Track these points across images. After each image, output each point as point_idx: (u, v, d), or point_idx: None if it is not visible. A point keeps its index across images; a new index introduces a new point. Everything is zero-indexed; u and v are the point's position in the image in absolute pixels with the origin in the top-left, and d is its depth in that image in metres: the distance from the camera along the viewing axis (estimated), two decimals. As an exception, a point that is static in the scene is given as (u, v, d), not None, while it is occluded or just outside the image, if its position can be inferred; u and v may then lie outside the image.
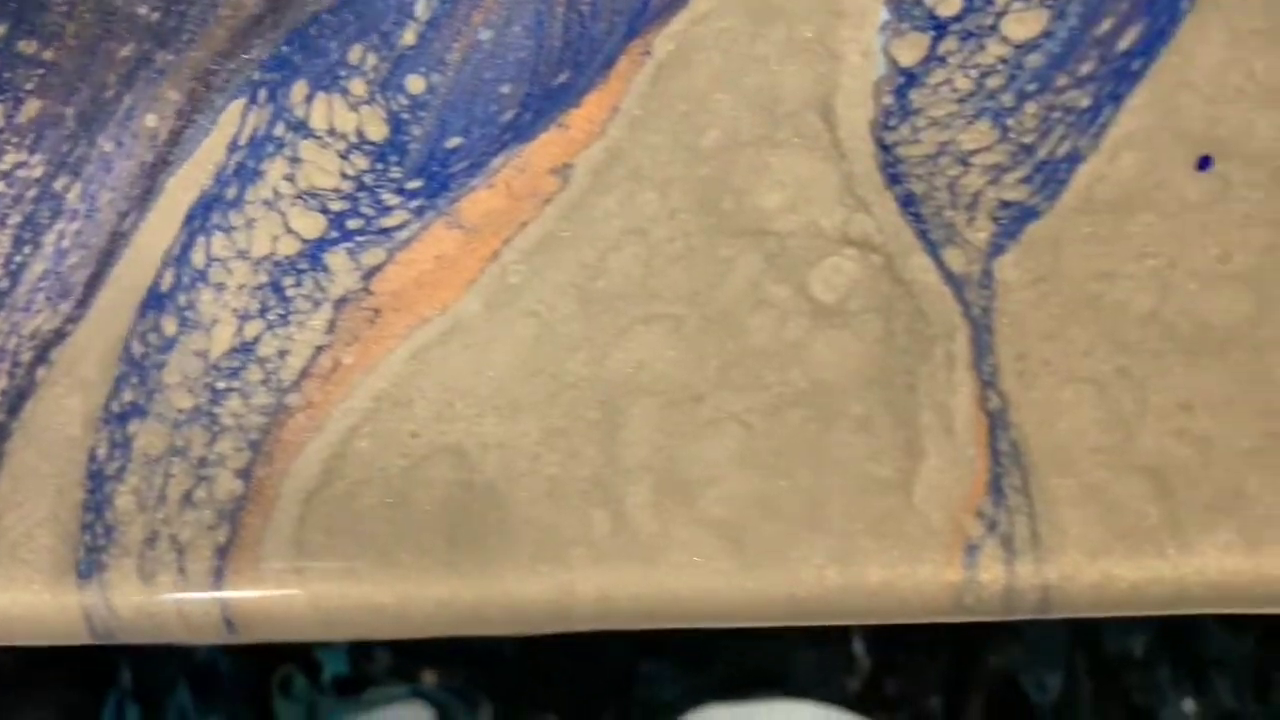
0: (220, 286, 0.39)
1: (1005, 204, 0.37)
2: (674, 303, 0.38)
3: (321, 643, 0.65)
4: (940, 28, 0.38)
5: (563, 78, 0.39)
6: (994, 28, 0.38)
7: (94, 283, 0.39)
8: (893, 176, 0.38)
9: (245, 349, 0.38)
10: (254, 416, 0.38)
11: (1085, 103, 0.38)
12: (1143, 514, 0.36)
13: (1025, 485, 0.36)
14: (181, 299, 0.39)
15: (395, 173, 0.39)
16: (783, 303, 0.38)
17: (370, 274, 0.38)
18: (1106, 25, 0.38)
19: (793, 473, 0.37)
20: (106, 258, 0.39)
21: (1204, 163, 0.37)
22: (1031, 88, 0.38)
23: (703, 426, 0.37)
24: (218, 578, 0.37)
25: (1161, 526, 0.36)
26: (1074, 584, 0.36)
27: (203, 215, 0.39)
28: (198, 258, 0.39)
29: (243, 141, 0.39)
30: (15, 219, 0.39)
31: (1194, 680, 0.63)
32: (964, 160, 0.38)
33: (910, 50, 0.38)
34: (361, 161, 0.39)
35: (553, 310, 0.38)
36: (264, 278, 0.39)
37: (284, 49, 0.40)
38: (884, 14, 0.38)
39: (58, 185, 0.39)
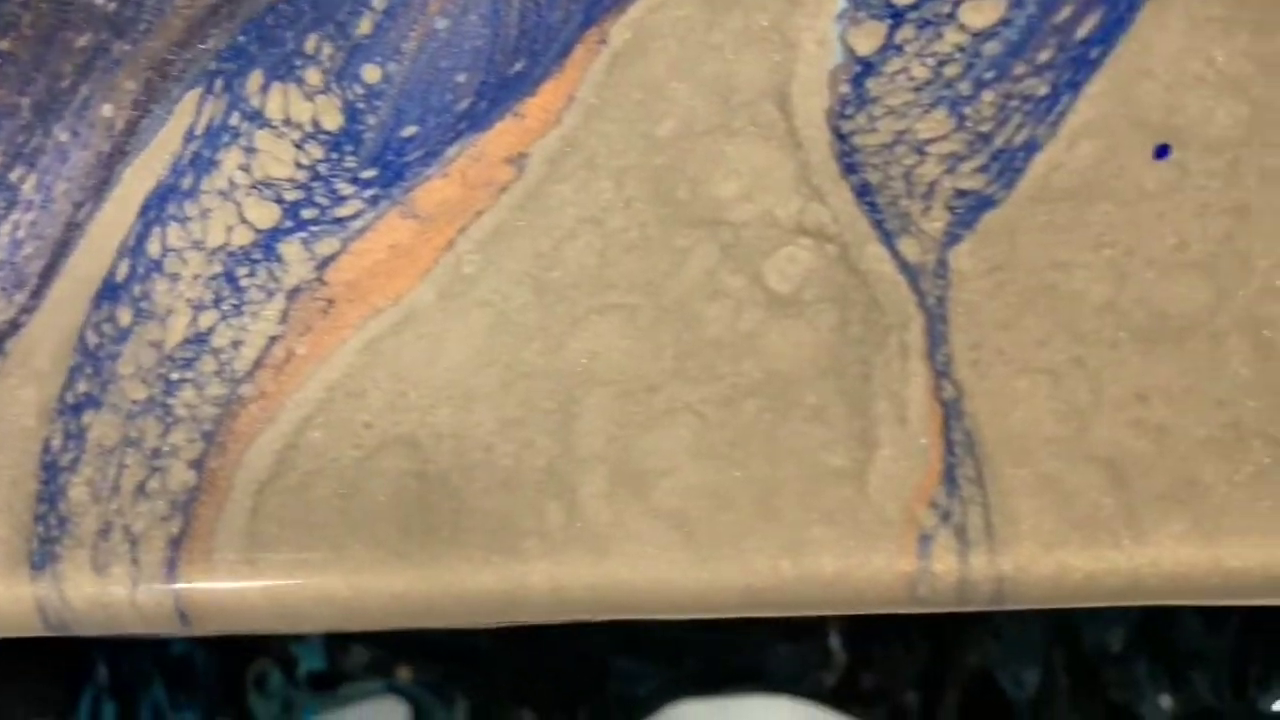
0: (175, 277, 0.39)
1: (961, 193, 0.37)
2: (629, 292, 0.38)
3: (297, 639, 0.64)
4: (897, 16, 0.38)
5: (518, 66, 0.39)
6: (952, 15, 0.38)
7: (48, 273, 0.39)
8: (849, 166, 0.38)
9: (199, 339, 0.38)
10: (207, 407, 0.38)
11: (1043, 91, 0.38)
12: (1098, 504, 0.36)
13: (979, 475, 0.36)
14: (136, 289, 0.39)
15: (350, 162, 0.39)
16: (737, 293, 0.37)
17: (324, 264, 0.38)
18: (1065, 13, 0.38)
19: (747, 463, 0.36)
20: (61, 248, 0.39)
21: (1161, 151, 0.37)
22: (989, 76, 0.38)
23: (657, 417, 0.37)
24: (171, 569, 0.37)
25: (1116, 517, 0.36)
26: (1028, 575, 0.36)
27: (158, 205, 0.39)
28: (153, 248, 0.39)
29: (199, 131, 0.39)
30: (-31, 209, 0.39)
31: (1171, 676, 0.63)
32: (920, 149, 0.38)
33: (867, 39, 0.38)
34: (316, 151, 0.39)
35: (507, 300, 0.38)
36: (218, 268, 0.38)
37: (240, 39, 0.39)
38: (841, 2, 0.38)
39: (13, 176, 0.39)
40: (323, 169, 0.39)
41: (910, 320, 0.37)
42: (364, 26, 0.39)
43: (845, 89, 0.38)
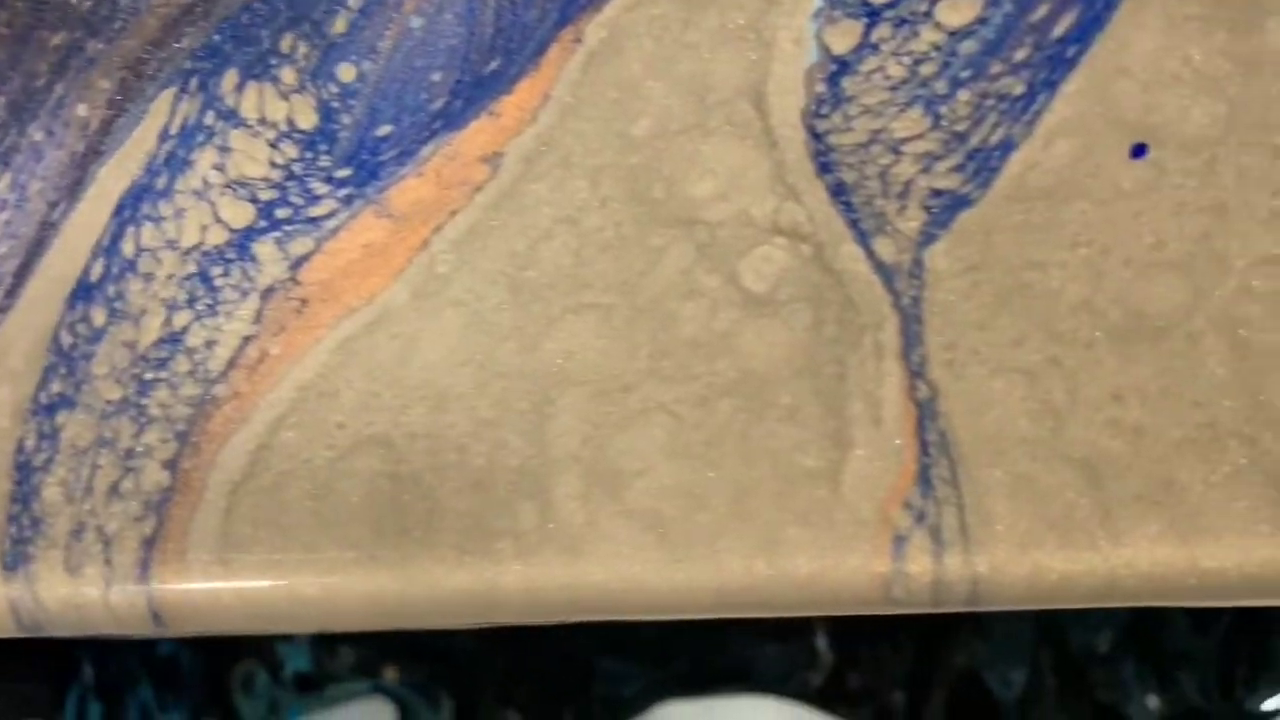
0: (149, 277, 0.38)
1: (937, 192, 0.37)
2: (604, 292, 0.37)
3: (283, 639, 0.64)
4: (874, 14, 0.38)
5: (494, 65, 0.38)
6: (928, 14, 0.38)
7: (23, 273, 0.39)
8: (824, 165, 0.37)
9: (173, 339, 0.38)
10: (181, 408, 0.38)
11: (1019, 90, 0.37)
12: (1073, 505, 0.35)
13: (954, 476, 0.36)
14: (111, 289, 0.38)
15: (324, 161, 0.38)
16: (713, 292, 0.37)
17: (298, 264, 0.38)
18: (1042, 11, 0.38)
19: (721, 463, 0.36)
20: (36, 248, 0.39)
21: (1138, 150, 0.37)
22: (965, 75, 0.38)
23: (632, 417, 0.37)
24: (144, 570, 0.37)
25: (1092, 518, 0.35)
26: (1003, 576, 0.35)
27: (133, 205, 0.39)
28: (127, 248, 0.39)
29: (173, 131, 0.39)
30: (-58, 208, 0.39)
31: (1159, 677, 0.63)
32: (896, 148, 0.37)
33: (843, 37, 0.38)
34: (291, 150, 0.39)
35: (481, 300, 0.38)
36: (192, 268, 0.38)
37: (215, 38, 0.39)
38: (817, 1, 0.38)
39: (-13, 175, 0.39)
40: (297, 168, 0.38)
41: (885, 320, 0.37)
42: (339, 25, 0.39)
43: (821, 88, 0.38)
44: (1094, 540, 0.35)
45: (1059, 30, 0.38)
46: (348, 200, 0.38)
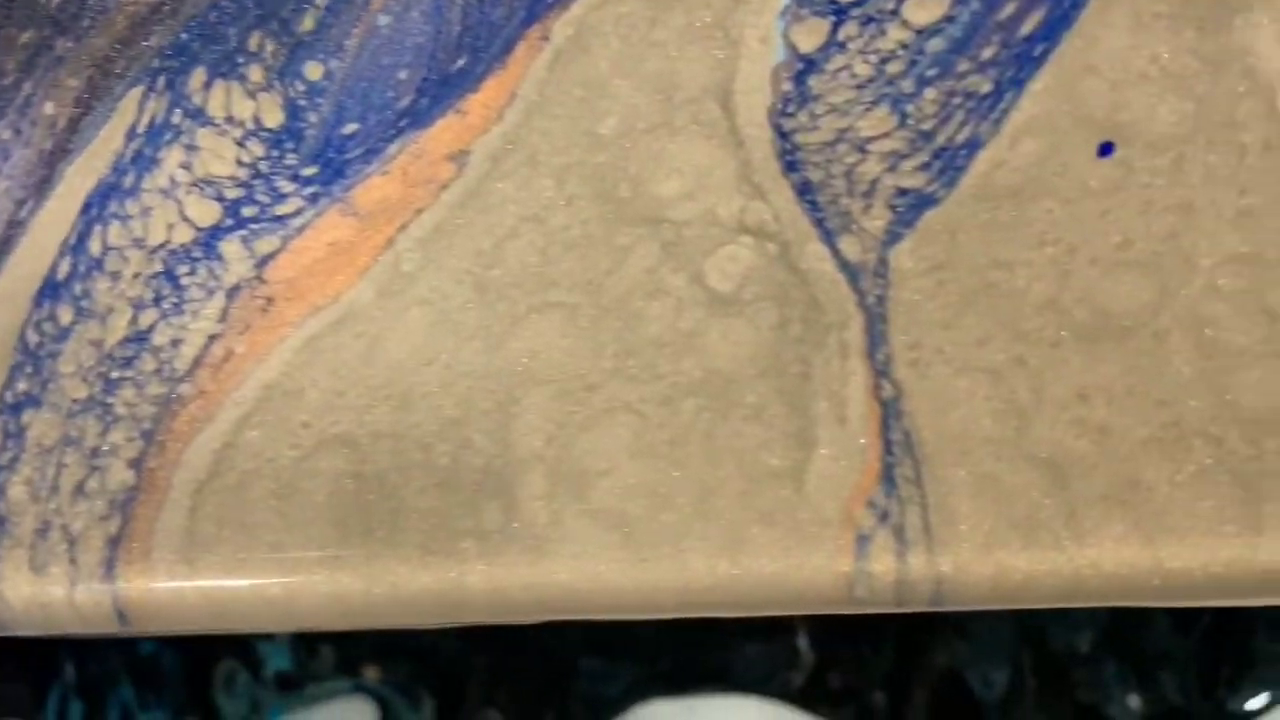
0: (116, 275, 0.38)
1: (902, 191, 0.37)
2: (570, 291, 0.37)
3: (264, 638, 0.64)
4: (841, 12, 0.38)
5: (461, 63, 0.38)
6: (895, 12, 0.38)
7: (-11, 271, 0.39)
8: (790, 164, 0.37)
9: (140, 338, 0.38)
10: (147, 406, 0.38)
11: (986, 88, 0.37)
12: (1037, 505, 0.35)
13: (918, 475, 0.36)
14: (77, 288, 0.38)
15: (291, 159, 0.38)
16: (678, 291, 0.37)
17: (264, 262, 0.38)
18: (1009, 9, 0.38)
19: (686, 463, 0.36)
20: (3, 246, 0.39)
21: (1105, 149, 0.37)
22: (932, 73, 0.37)
23: (597, 416, 0.37)
24: (109, 569, 0.37)
25: (1056, 517, 0.35)
26: (967, 576, 0.35)
27: (100, 203, 0.39)
28: (94, 246, 0.39)
29: (141, 129, 0.39)
30: (-91, 207, 0.39)
31: (1140, 677, 0.62)
32: (862, 147, 0.37)
33: (810, 36, 0.38)
34: (258, 148, 0.39)
35: (447, 299, 0.37)
36: (159, 266, 0.38)
37: (183, 36, 0.39)
38: (784, -1, 0.38)
39: (-46, 173, 0.39)
40: (264, 167, 0.38)
41: (850, 319, 0.36)
42: (307, 23, 0.39)
43: (787, 86, 0.38)
44: (1058, 540, 0.35)
45: (1027, 28, 0.38)
46: (314, 199, 0.38)
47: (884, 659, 0.64)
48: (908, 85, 0.37)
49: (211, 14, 0.39)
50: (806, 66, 0.38)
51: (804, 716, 0.63)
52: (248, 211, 0.38)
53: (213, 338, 0.38)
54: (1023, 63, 0.37)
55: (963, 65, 0.37)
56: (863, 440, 0.36)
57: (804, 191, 0.37)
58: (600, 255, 0.37)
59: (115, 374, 0.38)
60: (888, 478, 0.36)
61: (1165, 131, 0.37)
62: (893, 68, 0.37)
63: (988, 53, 0.37)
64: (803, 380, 0.36)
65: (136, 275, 0.38)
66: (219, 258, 0.38)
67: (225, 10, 0.39)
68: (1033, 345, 0.36)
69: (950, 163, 0.37)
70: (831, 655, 0.64)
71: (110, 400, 0.38)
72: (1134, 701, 0.63)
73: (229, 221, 0.38)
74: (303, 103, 0.39)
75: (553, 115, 0.38)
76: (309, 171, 0.38)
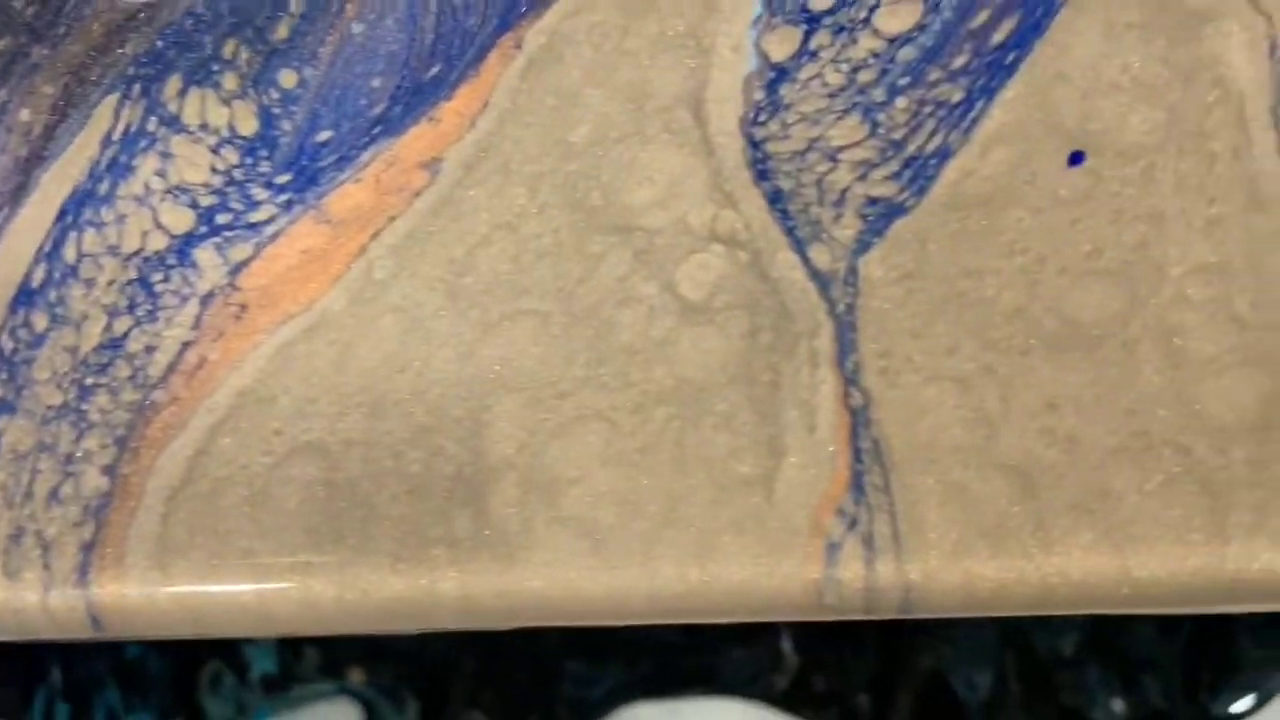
0: (90, 282, 0.38)
1: (872, 200, 0.37)
2: (542, 299, 0.37)
3: (249, 641, 0.64)
4: (813, 21, 0.38)
5: (434, 71, 0.39)
6: (867, 21, 0.38)
7: (-35, 278, 0.39)
8: (761, 173, 0.37)
9: (114, 345, 0.38)
10: (121, 413, 0.38)
11: (957, 97, 0.37)
12: (1006, 513, 0.35)
13: (886, 483, 0.36)
14: (52, 295, 0.38)
15: (265, 167, 0.38)
16: (650, 299, 0.37)
17: (237, 269, 0.38)
18: (981, 18, 0.38)
19: (656, 470, 0.36)
20: (-21, 253, 0.39)
21: (1076, 158, 0.37)
22: (903, 82, 0.38)
23: (568, 424, 0.37)
24: (82, 575, 0.37)
25: (1025, 526, 0.35)
26: (935, 584, 0.35)
27: (75, 211, 0.39)
28: (69, 253, 0.39)
29: (116, 137, 0.39)
30: (-116, 214, 0.39)
31: (1123, 680, 0.63)
32: (833, 156, 0.37)
33: (782, 45, 0.38)
34: (232, 156, 0.39)
35: (419, 306, 0.38)
36: (133, 273, 0.38)
37: (159, 44, 0.39)
38: (757, 8, 0.38)
39: (-70, 180, 0.39)
40: (238, 174, 0.39)
41: (820, 328, 0.37)
42: (281, 31, 0.39)
43: (759, 95, 0.38)
44: (1026, 549, 0.35)
45: (998, 37, 0.38)
46: (287, 206, 0.38)
47: (868, 662, 0.64)
48: (879, 94, 0.37)
49: (187, 21, 0.39)
50: (778, 75, 0.38)
51: (788, 719, 0.63)
52: (222, 219, 0.38)
53: (186, 345, 0.38)
54: (994, 71, 0.37)
55: (934, 74, 0.38)
56: (832, 448, 0.36)
57: (775, 200, 0.37)
58: (572, 263, 0.38)
59: (90, 380, 0.38)
60: (857, 486, 0.36)
61: (1136, 140, 0.37)
62: (864, 76, 0.38)
63: (959, 61, 0.38)
64: (773, 388, 0.36)
65: (111, 282, 0.38)
66: (193, 265, 0.38)
67: (200, 18, 0.39)
68: (1002, 354, 0.36)
69: (921, 172, 0.37)
70: (815, 658, 0.64)
71: (85, 407, 0.38)
72: (1118, 705, 0.63)
73: (203, 229, 0.38)
74: (277, 110, 0.39)
75: (525, 123, 0.38)
76: (283, 179, 0.38)
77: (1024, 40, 0.38)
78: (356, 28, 0.39)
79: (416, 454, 0.37)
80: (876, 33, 0.38)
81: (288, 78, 0.39)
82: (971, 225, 0.37)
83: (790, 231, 0.37)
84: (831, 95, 0.38)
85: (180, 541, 0.37)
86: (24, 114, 0.39)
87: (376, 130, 0.38)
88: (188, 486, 0.37)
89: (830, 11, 0.38)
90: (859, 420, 0.36)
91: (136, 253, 0.38)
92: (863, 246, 0.37)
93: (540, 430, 0.37)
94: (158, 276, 0.38)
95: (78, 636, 0.38)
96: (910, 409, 0.36)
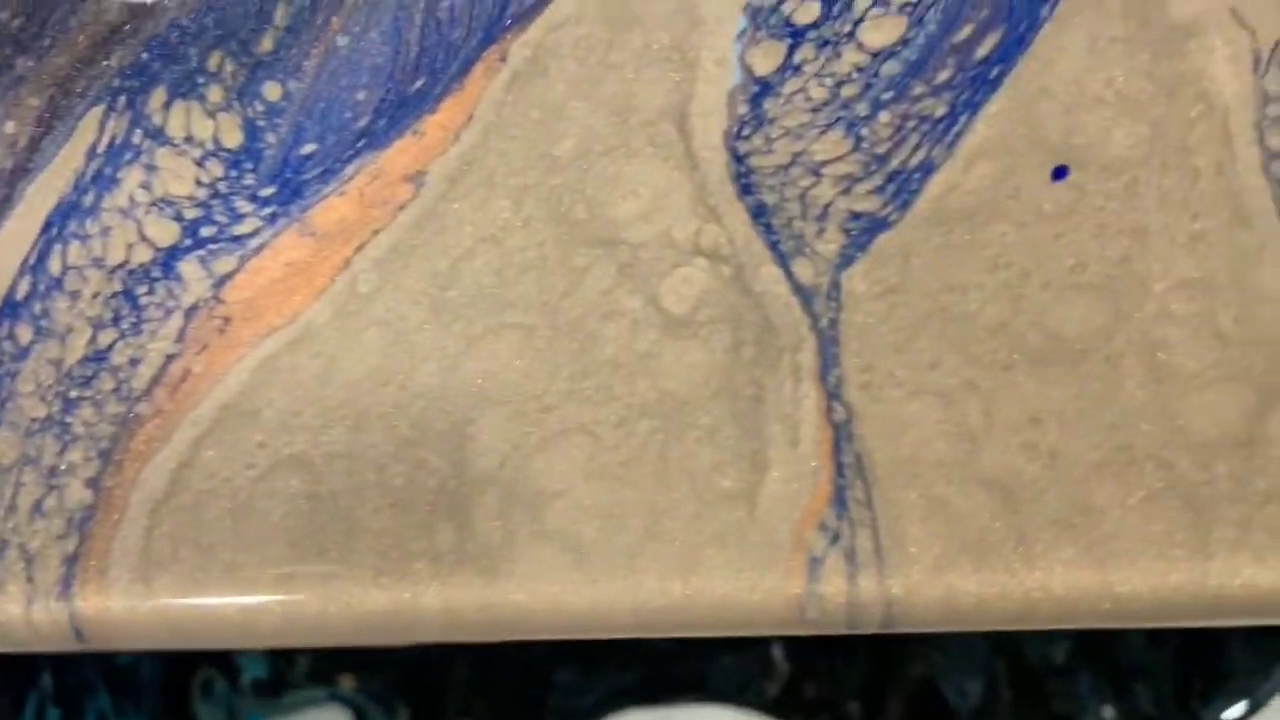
0: (75, 295, 0.39)
1: (856, 215, 0.37)
2: (526, 312, 0.37)
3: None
4: (797, 35, 0.38)
5: (419, 84, 0.39)
6: (851, 35, 0.38)
7: (-50, 290, 0.39)
8: (745, 187, 0.37)
9: (98, 357, 0.38)
10: (105, 426, 0.38)
11: (941, 111, 0.37)
12: (988, 528, 0.35)
13: (869, 498, 0.36)
14: (37, 307, 0.38)
15: (249, 180, 0.38)
16: (633, 313, 0.37)
17: (221, 282, 0.38)
18: (965, 32, 0.38)
19: (639, 484, 0.36)
20: (-36, 265, 0.39)
21: (1059, 172, 0.37)
22: (887, 96, 0.38)
23: (551, 437, 0.37)
24: (66, 587, 0.37)
25: (1007, 541, 0.35)
26: (917, 598, 0.35)
27: (60, 223, 0.39)
28: (54, 266, 0.39)
29: (101, 149, 0.39)
30: None
31: (1114, 688, 0.63)
32: (816, 171, 0.37)
33: (766, 59, 0.38)
34: (217, 169, 0.39)
35: (403, 319, 0.38)
36: (118, 286, 0.38)
37: (144, 55, 0.39)
38: (741, 22, 0.38)
39: (-84, 192, 0.39)
40: (222, 187, 0.39)
41: (803, 342, 0.37)
42: (266, 44, 0.39)
43: (743, 109, 0.38)
44: (1009, 564, 0.35)
45: (982, 51, 0.38)
46: (272, 219, 0.38)
47: (859, 669, 0.64)
48: (862, 108, 0.37)
49: (172, 34, 0.39)
50: (762, 89, 0.38)
51: (779, 727, 0.63)
52: (206, 231, 0.38)
53: (170, 357, 0.38)
54: (978, 86, 0.37)
55: (918, 88, 0.37)
56: (815, 463, 0.36)
57: (759, 214, 0.37)
58: (556, 277, 0.38)
59: (74, 393, 0.38)
60: (839, 500, 0.36)
61: (1119, 155, 0.37)
62: (848, 91, 0.38)
63: (943, 75, 0.38)
64: (756, 402, 0.36)
65: (96, 295, 0.38)
66: (177, 278, 0.38)
67: (185, 30, 0.39)
68: (984, 369, 0.36)
69: (904, 186, 0.37)
70: (806, 665, 0.64)
71: (69, 419, 0.38)
72: (1109, 713, 0.63)
73: (187, 241, 0.38)
74: (261, 123, 0.39)
75: (510, 137, 0.38)
76: (267, 192, 0.38)
77: (1008, 54, 0.38)
78: (341, 41, 0.39)
79: (400, 467, 0.37)
80: (860, 46, 0.38)
81: (272, 90, 0.39)
82: (955, 240, 0.37)
83: (774, 246, 0.37)
84: (815, 109, 0.38)
85: (164, 554, 0.37)
86: (9, 126, 0.39)
87: (361, 143, 0.38)
88: (171, 499, 0.37)
89: (814, 25, 0.38)
90: (841, 435, 0.36)
91: (121, 265, 0.39)
92: (846, 261, 0.37)
93: (524, 444, 0.37)
94: (142, 289, 0.38)
95: (61, 649, 0.38)
96: (893, 423, 0.36)
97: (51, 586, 0.37)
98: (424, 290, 0.38)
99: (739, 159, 0.38)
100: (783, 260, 0.37)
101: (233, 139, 0.39)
